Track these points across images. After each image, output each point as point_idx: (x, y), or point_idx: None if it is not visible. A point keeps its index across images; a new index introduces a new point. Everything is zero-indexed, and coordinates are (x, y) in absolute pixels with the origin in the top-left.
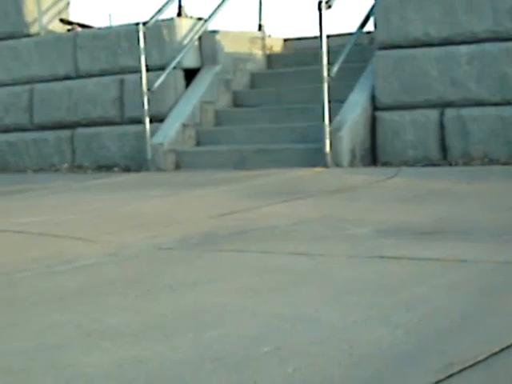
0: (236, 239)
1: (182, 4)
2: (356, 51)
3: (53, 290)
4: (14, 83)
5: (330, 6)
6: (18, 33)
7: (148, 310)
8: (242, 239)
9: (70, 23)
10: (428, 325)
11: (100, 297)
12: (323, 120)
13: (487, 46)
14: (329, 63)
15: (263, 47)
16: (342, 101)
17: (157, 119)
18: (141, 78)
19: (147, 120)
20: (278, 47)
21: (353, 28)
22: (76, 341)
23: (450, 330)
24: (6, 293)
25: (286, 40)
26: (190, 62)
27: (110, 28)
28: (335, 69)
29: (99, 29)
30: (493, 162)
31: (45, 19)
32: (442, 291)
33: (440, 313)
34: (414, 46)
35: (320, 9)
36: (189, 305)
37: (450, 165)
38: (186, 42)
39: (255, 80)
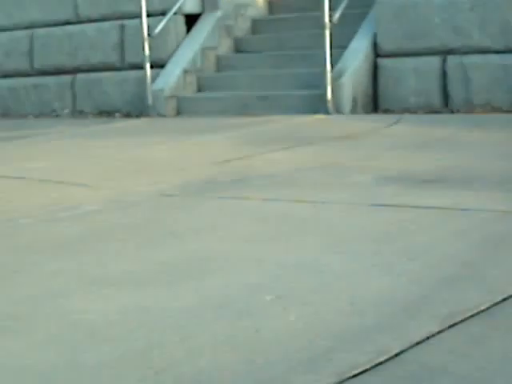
0: (237, 186)
1: None
2: None
3: (55, 236)
4: (15, 28)
5: None
6: None
7: (150, 257)
8: (243, 186)
9: None
10: (430, 274)
11: (103, 244)
12: (325, 67)
13: None
14: (331, 9)
15: None
16: (345, 47)
17: (158, 65)
18: (141, 23)
19: (148, 66)
20: None
21: None
22: (79, 288)
23: (452, 279)
24: (9, 240)
25: None
26: (191, 7)
27: None
28: (337, 15)
29: None
30: (495, 109)
31: None
32: (444, 240)
33: (442, 262)
34: None
35: None
36: (191, 252)
37: (452, 112)
38: None
39: (257, 26)
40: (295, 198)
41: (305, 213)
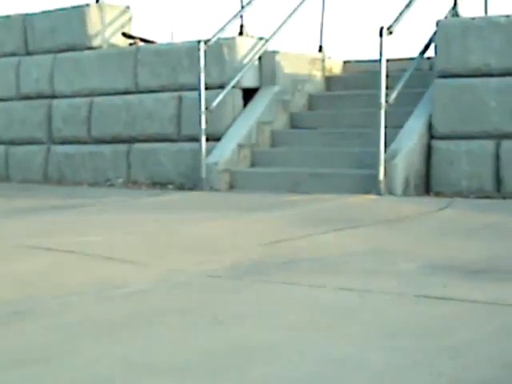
0: (285, 270)
1: (244, 23)
2: (416, 76)
3: (101, 317)
4: (74, 95)
5: (391, 32)
6: (81, 45)
7: (195, 344)
8: (291, 270)
9: (132, 37)
10: (471, 374)
11: (148, 327)
12: (379, 147)
13: None
14: (388, 87)
15: (323, 69)
16: (400, 127)
17: (213, 138)
18: (199, 95)
19: (203, 138)
20: (337, 69)
21: (413, 52)
22: (122, 375)
23: (492, 381)
24: (54, 319)
25: (345, 62)
26: (249, 81)
27: (171, 44)
28: (393, 95)
29: (161, 44)
30: None
31: (107, 32)
32: (487, 338)
33: (483, 362)
34: (474, 76)
35: (381, 35)
36: (235, 340)
37: (504, 198)
38: (245, 61)
39: (313, 102)
40: (341, 286)
41: (350, 302)
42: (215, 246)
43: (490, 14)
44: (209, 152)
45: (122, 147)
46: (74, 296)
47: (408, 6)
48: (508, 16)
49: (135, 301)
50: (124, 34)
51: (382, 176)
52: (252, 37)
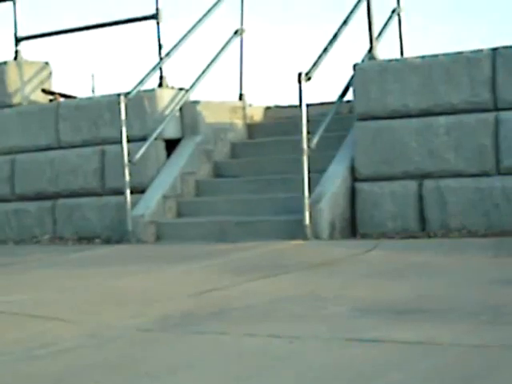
0: (215, 320)
1: (164, 74)
2: (336, 120)
3: (31, 376)
4: None
5: (309, 78)
6: (0, 103)
7: None
8: (221, 319)
9: (52, 93)
10: None
11: None
12: (303, 192)
13: (465, 117)
14: (309, 132)
15: (244, 117)
16: (323, 171)
17: (138, 190)
18: (122, 149)
19: (128, 192)
20: (258, 116)
21: (333, 97)
22: None
23: None
24: None
25: (267, 108)
26: (171, 132)
27: (91, 98)
28: (315, 140)
29: (81, 99)
30: (471, 233)
31: (27, 89)
32: (419, 378)
33: None
34: (393, 117)
35: (300, 81)
36: None
37: (429, 237)
38: (167, 112)
39: (236, 150)
40: (271, 333)
41: (282, 349)
42: (144, 299)
43: (406, 55)
44: (134, 204)
45: (47, 203)
46: (4, 356)
47: (325, 51)
48: (423, 57)
49: (66, 358)
50: (44, 90)
51: (307, 221)
52: (172, 88)
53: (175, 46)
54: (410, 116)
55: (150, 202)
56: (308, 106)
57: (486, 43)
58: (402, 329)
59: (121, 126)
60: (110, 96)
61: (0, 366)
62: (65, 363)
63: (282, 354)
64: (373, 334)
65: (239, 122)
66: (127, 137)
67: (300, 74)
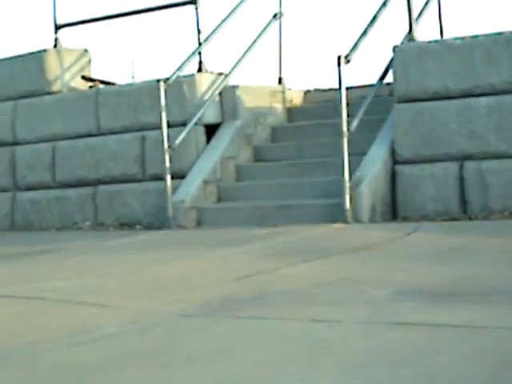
0: (256, 304)
1: (203, 59)
2: (376, 103)
3: (73, 363)
4: (37, 141)
5: (348, 61)
6: (40, 91)
7: None
8: (261, 304)
9: (91, 80)
10: None
11: (120, 371)
12: (343, 176)
13: (506, 97)
14: (349, 116)
15: (283, 100)
16: (363, 154)
17: (178, 175)
18: (162, 134)
19: (168, 177)
20: (298, 100)
21: (373, 79)
22: None
23: None
24: (25, 367)
25: (306, 92)
26: (211, 117)
27: (131, 85)
28: (355, 123)
29: (121, 85)
30: None
31: (67, 76)
32: (462, 361)
33: None
34: (433, 99)
35: (339, 64)
36: (207, 380)
37: (470, 219)
38: (206, 97)
39: (276, 134)
40: (312, 317)
41: (322, 333)
42: (185, 285)
43: (445, 37)
44: (174, 190)
45: (88, 190)
46: (46, 343)
47: (364, 33)
48: (463, 38)
49: (107, 345)
50: (83, 77)
51: (347, 204)
52: (211, 73)
53: (214, 31)
54: (450, 97)
55: (191, 187)
56: (347, 88)
57: None
58: (443, 312)
59: (160, 112)
60: (149, 82)
61: (42, 352)
62: (106, 349)
63: (323, 339)
64: (413, 317)
65: (278, 106)
66: (167, 122)
67: (339, 57)
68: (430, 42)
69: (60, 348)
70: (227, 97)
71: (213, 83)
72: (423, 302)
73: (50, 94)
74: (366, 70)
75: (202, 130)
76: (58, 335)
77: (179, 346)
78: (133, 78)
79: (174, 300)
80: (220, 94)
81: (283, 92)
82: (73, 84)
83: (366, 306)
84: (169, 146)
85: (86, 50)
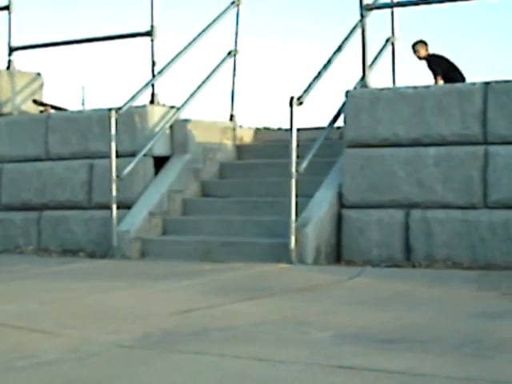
0: (197, 339)
1: (156, 92)
2: (326, 146)
3: None
4: None
5: (301, 103)
6: None
7: None
8: (203, 339)
9: (43, 104)
10: None
11: None
12: (290, 216)
13: (454, 149)
14: (298, 157)
15: (234, 137)
16: (310, 196)
17: (124, 205)
18: (110, 163)
19: (114, 207)
20: (248, 137)
21: (324, 122)
22: None
23: None
24: None
25: (256, 130)
26: (161, 149)
27: (82, 112)
28: (304, 165)
29: (72, 112)
30: (455, 265)
31: (18, 99)
32: None
33: None
34: (383, 146)
35: (291, 105)
36: None
37: (414, 266)
38: (157, 129)
39: (224, 170)
40: (254, 356)
41: (262, 372)
42: (127, 315)
43: (398, 85)
44: (120, 220)
45: (33, 214)
46: None
47: (318, 76)
48: (415, 87)
49: (46, 371)
50: (35, 101)
51: (293, 245)
52: (163, 105)
53: (168, 64)
54: (399, 145)
55: (136, 218)
56: (298, 130)
57: (479, 76)
58: (384, 358)
59: (110, 141)
60: (100, 110)
61: None
62: (44, 376)
63: (263, 378)
64: (354, 361)
65: (229, 143)
66: (116, 152)
67: (292, 98)
68: (382, 89)
69: None
70: (178, 130)
71: (164, 116)
72: (365, 346)
73: (0, 115)
74: (318, 112)
75: (150, 162)
76: None
77: (118, 377)
78: (83, 104)
79: (115, 330)
80: (171, 126)
81: (234, 129)
82: (24, 107)
83: (307, 347)
84: (117, 176)
85: (38, 74)
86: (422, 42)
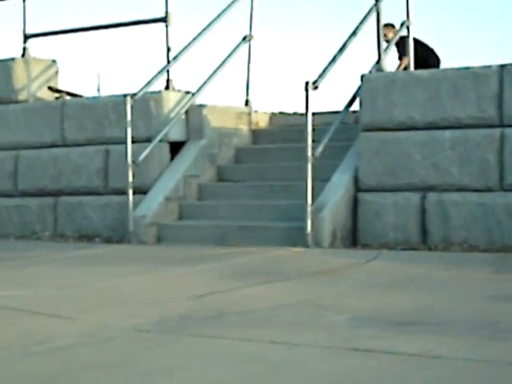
0: (214, 323)
1: (171, 77)
2: (341, 130)
3: (28, 373)
4: (0, 148)
5: (316, 87)
6: (6, 99)
7: None
8: (219, 323)
9: (58, 91)
10: None
11: (75, 383)
12: (306, 200)
13: (470, 132)
14: (314, 141)
15: (249, 122)
16: (326, 180)
17: (140, 191)
18: (126, 149)
19: (130, 192)
20: (263, 122)
21: (339, 106)
22: None
23: None
24: None
25: (272, 115)
26: (176, 135)
27: (97, 98)
28: (320, 149)
29: (87, 98)
30: (472, 248)
31: (33, 86)
32: None
33: None
34: (399, 130)
35: (307, 89)
36: None
37: (430, 249)
38: (172, 114)
39: (240, 155)
40: (270, 339)
41: (279, 355)
42: (143, 300)
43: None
44: (136, 205)
45: (49, 200)
46: (1, 351)
47: (333, 61)
48: (431, 71)
49: (62, 356)
50: (50, 88)
51: (309, 229)
52: (179, 91)
53: (183, 50)
54: (415, 129)
55: (152, 203)
56: (314, 114)
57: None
58: (401, 340)
59: (126, 127)
60: (116, 96)
61: None
62: (61, 361)
63: (280, 361)
64: (371, 343)
65: (244, 128)
66: (132, 137)
67: (307, 83)
68: (397, 73)
69: (14, 357)
70: (193, 115)
71: (180, 101)
72: (381, 329)
73: (15, 102)
74: (333, 96)
75: (166, 147)
76: (13, 344)
77: (135, 361)
78: (98, 90)
79: (132, 315)
80: (186, 112)
81: (249, 114)
82: (39, 94)
83: (324, 330)
84: (133, 161)
85: (53, 61)
86: (390, 25)
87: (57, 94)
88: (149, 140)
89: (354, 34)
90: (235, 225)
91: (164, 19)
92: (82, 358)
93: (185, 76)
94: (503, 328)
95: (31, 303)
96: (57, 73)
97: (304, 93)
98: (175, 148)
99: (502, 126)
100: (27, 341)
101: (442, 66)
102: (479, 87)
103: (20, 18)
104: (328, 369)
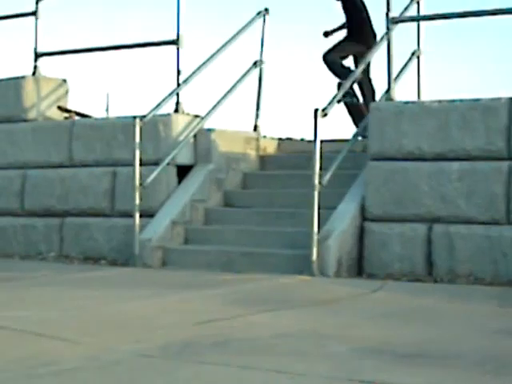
0: (218, 350)
1: (180, 100)
2: (349, 158)
3: None
4: (8, 167)
5: (325, 114)
6: (16, 117)
7: None
8: (223, 351)
9: (67, 111)
10: None
11: None
12: (312, 228)
13: (478, 164)
14: (321, 168)
15: (257, 148)
16: (333, 208)
17: (147, 214)
18: (134, 171)
19: (137, 215)
20: (271, 148)
21: (347, 134)
22: None
23: None
24: None
25: (280, 141)
26: (184, 158)
27: (106, 119)
28: (327, 177)
29: (96, 119)
30: (477, 281)
31: (43, 105)
32: None
33: None
34: (407, 159)
35: (316, 117)
36: None
37: (435, 281)
38: (181, 138)
39: (247, 180)
40: (273, 368)
41: None
42: (148, 325)
43: (423, 98)
44: (142, 228)
45: (55, 221)
46: (3, 373)
47: (342, 88)
48: (440, 101)
49: (66, 379)
50: (60, 108)
51: (314, 257)
52: (188, 114)
53: (194, 73)
54: (423, 159)
55: (159, 226)
56: (322, 141)
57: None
58: (405, 373)
59: (134, 149)
60: (125, 118)
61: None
62: None
63: None
64: (374, 375)
65: (252, 153)
66: (140, 160)
67: (316, 110)
68: (407, 103)
69: (17, 379)
70: (202, 139)
71: (188, 125)
72: (385, 360)
73: (25, 121)
74: (341, 124)
75: (174, 171)
76: (16, 366)
77: None
78: (107, 110)
79: (137, 339)
80: (195, 136)
81: (257, 139)
82: (48, 113)
83: (327, 361)
84: (140, 184)
85: (64, 81)
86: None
87: (66, 114)
88: (156, 163)
89: (364, 62)
90: (241, 251)
91: (175, 42)
92: (86, 381)
93: (194, 99)
94: (507, 363)
95: (35, 325)
96: (67, 92)
97: (313, 120)
98: (183, 171)
99: (510, 158)
100: (31, 363)
101: (452, 97)
102: (488, 119)
103: (31, 36)
104: None
